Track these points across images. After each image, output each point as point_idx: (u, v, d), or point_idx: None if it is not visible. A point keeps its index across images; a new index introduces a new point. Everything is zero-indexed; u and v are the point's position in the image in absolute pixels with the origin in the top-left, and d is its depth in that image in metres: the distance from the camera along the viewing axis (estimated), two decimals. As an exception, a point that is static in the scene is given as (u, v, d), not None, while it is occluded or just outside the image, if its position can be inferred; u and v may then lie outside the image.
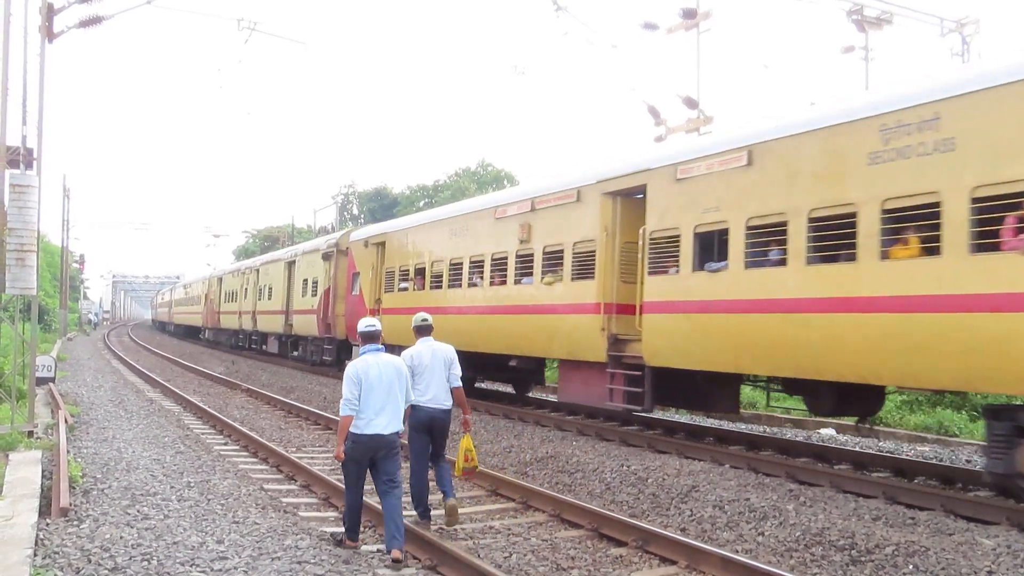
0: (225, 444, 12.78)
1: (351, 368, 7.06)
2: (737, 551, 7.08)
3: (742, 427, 14.62)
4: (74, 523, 7.25)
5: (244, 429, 13.27)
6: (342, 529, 7.24)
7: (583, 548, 7.36)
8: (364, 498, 7.30)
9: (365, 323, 7.44)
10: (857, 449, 12.33)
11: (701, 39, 19.27)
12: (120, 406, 16.74)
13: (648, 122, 20.25)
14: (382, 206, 59.84)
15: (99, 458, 10.52)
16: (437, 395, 7.86)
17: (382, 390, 6.97)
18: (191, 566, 6.18)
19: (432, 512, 8.04)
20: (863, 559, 6.77)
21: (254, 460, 11.44)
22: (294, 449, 12.16)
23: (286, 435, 13.53)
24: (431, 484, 8.14)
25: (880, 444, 13.56)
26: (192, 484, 9.21)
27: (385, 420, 6.96)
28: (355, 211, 65.84)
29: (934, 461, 11.45)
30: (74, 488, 8.50)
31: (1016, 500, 8.53)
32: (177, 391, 19.58)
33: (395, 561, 6.61)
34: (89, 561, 6.19)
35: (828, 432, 14.74)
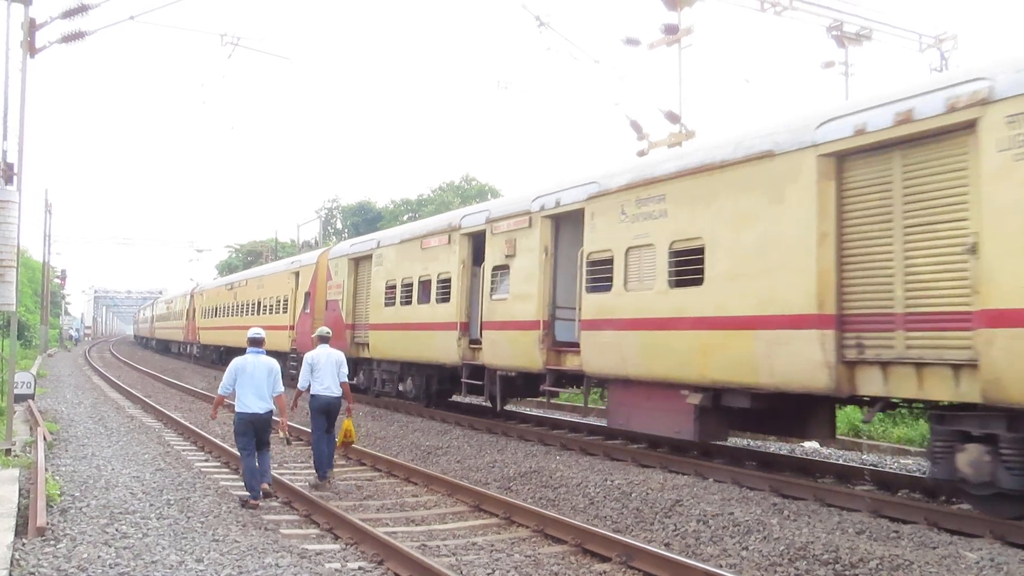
0: (206, 461, 12.66)
1: (232, 362, 9.69)
2: (721, 566, 7.06)
3: (727, 442, 14.60)
4: (51, 543, 7.13)
5: (225, 446, 13.11)
6: (247, 493, 9.29)
7: (566, 564, 7.31)
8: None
9: (252, 331, 9.94)
10: (841, 462, 12.36)
11: (683, 54, 19.42)
12: (100, 423, 16.55)
13: (631, 136, 20.37)
14: (365, 220, 59.77)
15: (78, 476, 10.38)
16: (330, 386, 10.72)
17: (254, 382, 9.44)
18: (169, 586, 6.09)
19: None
20: (847, 573, 6.76)
21: (235, 477, 11.31)
22: (275, 465, 12.03)
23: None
24: None
25: (864, 457, 13.59)
26: (172, 502, 9.10)
27: (258, 403, 9.43)
28: (339, 225, 65.71)
29: (918, 474, 11.47)
30: (51, 507, 8.37)
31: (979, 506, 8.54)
32: (158, 407, 19.39)
33: (265, 495, 9.34)
34: (65, 581, 6.09)
35: (811, 445, 14.75)
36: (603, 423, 15.00)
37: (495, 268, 15.45)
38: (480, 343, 15.83)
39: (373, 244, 21.48)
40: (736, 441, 14.30)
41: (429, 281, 17.89)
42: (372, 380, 21.05)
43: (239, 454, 9.72)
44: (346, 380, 10.96)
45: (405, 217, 53.27)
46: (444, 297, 17.13)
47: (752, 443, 14.79)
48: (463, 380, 16.37)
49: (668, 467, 11.64)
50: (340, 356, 11.01)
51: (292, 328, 26.29)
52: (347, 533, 8.00)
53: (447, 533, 8.45)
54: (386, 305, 19.71)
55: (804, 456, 13.12)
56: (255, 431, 9.46)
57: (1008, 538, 7.77)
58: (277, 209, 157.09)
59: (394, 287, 19.49)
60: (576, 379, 14.09)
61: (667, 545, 7.83)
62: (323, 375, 10.69)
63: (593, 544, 7.61)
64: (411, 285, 18.71)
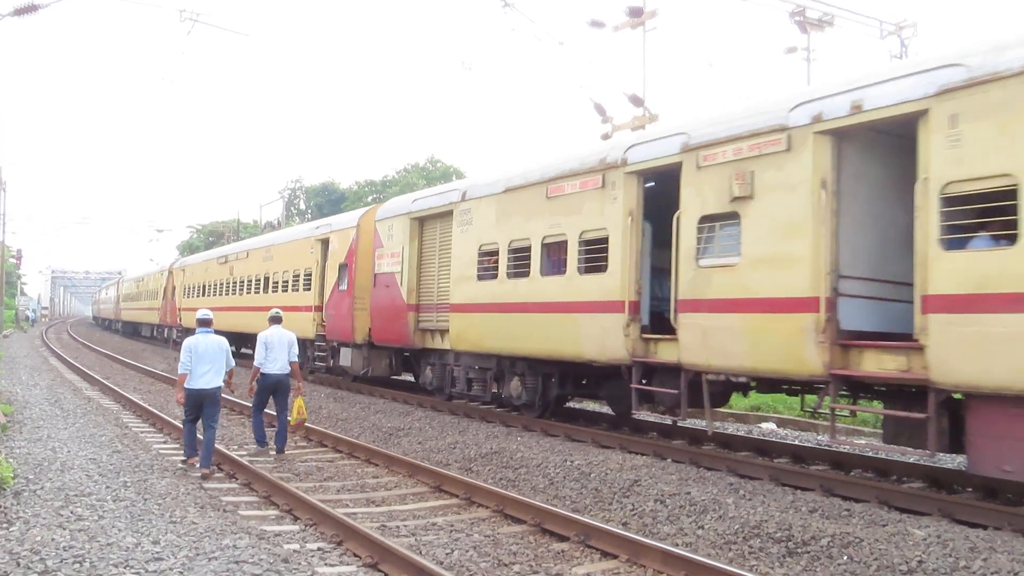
0: (164, 442, 12.52)
1: (185, 341, 10.20)
2: (677, 544, 7.18)
3: (686, 423, 14.79)
4: (3, 526, 7.04)
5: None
6: (184, 456, 10.33)
7: (525, 543, 7.38)
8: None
9: (201, 313, 10.53)
10: (796, 443, 12.60)
11: (647, 37, 19.47)
12: (56, 405, 16.29)
13: (595, 119, 20.41)
14: (329, 201, 59.28)
15: (32, 458, 10.22)
16: (282, 365, 11.36)
17: (207, 359, 10.04)
18: (125, 568, 6.04)
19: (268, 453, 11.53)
20: (799, 551, 6.91)
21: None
22: (236, 447, 11.98)
23: (228, 432, 13.30)
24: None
25: (819, 438, 13.87)
26: (129, 484, 9.01)
27: (208, 379, 10.05)
28: (302, 206, 65.08)
29: (870, 454, 11.75)
30: (4, 490, 8.25)
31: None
32: (116, 389, 19.13)
33: (203, 476, 9.71)
34: (18, 565, 6.01)
35: (769, 426, 15.03)
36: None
37: (705, 219, 10.43)
38: (655, 331, 11.44)
39: (454, 196, 15.73)
40: (694, 422, 14.49)
41: (562, 243, 12.70)
42: (446, 379, 16.21)
43: (183, 425, 10.51)
44: (296, 360, 11.62)
45: (369, 199, 52.88)
46: (595, 265, 12.10)
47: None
48: (634, 386, 11.40)
49: (627, 448, 11.76)
50: (292, 336, 11.70)
51: (318, 309, 20.99)
52: (306, 514, 7.98)
53: (407, 514, 8.47)
54: (480, 278, 14.55)
55: (761, 437, 13.34)
56: (202, 405, 10.17)
57: (955, 516, 8.00)
58: (239, 189, 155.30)
59: (494, 253, 14.28)
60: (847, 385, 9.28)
61: (625, 524, 7.94)
62: (276, 354, 11.37)
63: (552, 524, 7.69)
64: (526, 250, 13.39)
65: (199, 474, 9.82)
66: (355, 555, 6.81)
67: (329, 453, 11.99)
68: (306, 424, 12.37)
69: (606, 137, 19.12)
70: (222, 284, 31.04)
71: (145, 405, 15.92)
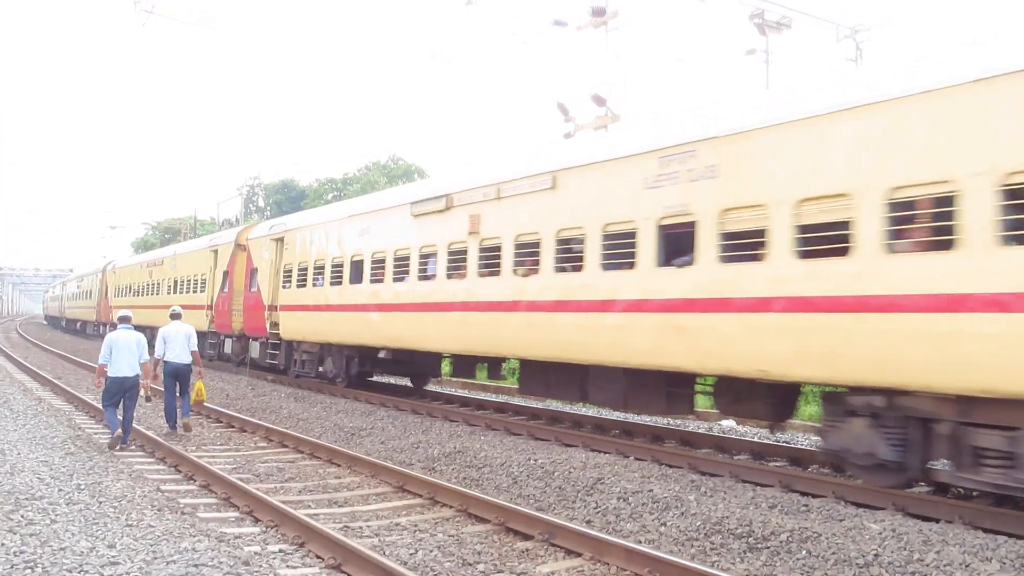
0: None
1: (107, 337, 11.85)
2: (640, 542, 7.22)
3: (647, 420, 14.90)
4: (-50, 531, 6.81)
5: (140, 428, 12.75)
6: (111, 437, 11.54)
7: (490, 543, 7.36)
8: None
9: (121, 312, 12.31)
10: (756, 440, 12.75)
11: (610, 37, 19.58)
12: (5, 405, 15.84)
13: (558, 119, 20.46)
14: (289, 198, 58.63)
15: (-21, 461, 9.92)
16: (180, 355, 12.98)
17: (125, 350, 11.62)
18: (79, 573, 5.89)
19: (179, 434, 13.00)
20: (760, 546, 6.99)
21: (150, 460, 11.01)
22: (194, 448, 11.78)
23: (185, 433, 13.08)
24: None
25: (777, 435, 14.05)
26: (82, 487, 8.79)
27: (126, 368, 11.61)
28: (261, 203, 64.26)
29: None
30: (-49, 493, 8.00)
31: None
32: (68, 389, 18.68)
33: (119, 442, 11.45)
34: (-34, 571, 5.83)
35: (728, 423, 15.19)
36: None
37: None
38: None
39: None
40: (657, 420, 14.60)
41: None
42: None
43: (104, 408, 11.86)
44: (195, 349, 13.24)
45: (330, 196, 52.35)
46: None
47: (671, 422, 15.14)
48: None
49: (590, 446, 11.82)
50: (190, 329, 13.37)
51: None
52: (267, 515, 7.87)
53: (370, 514, 8.40)
54: None
55: (721, 434, 13.49)
56: (122, 391, 11.65)
57: (909, 510, 8.17)
58: (195, 186, 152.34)
59: None
60: None
61: (588, 522, 7.96)
62: (174, 345, 13.00)
63: (516, 523, 7.68)
64: None
65: (117, 446, 11.38)
66: (318, 556, 6.73)
67: (290, 454, 11.84)
68: (203, 404, 14.47)
69: (569, 136, 19.19)
70: (461, 255, 14.11)
71: (99, 405, 15.52)
